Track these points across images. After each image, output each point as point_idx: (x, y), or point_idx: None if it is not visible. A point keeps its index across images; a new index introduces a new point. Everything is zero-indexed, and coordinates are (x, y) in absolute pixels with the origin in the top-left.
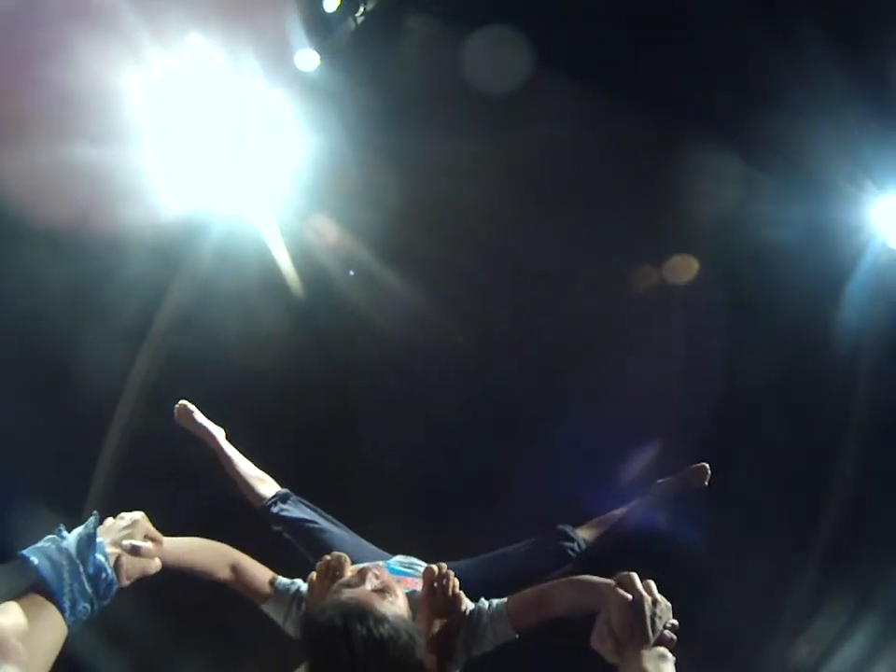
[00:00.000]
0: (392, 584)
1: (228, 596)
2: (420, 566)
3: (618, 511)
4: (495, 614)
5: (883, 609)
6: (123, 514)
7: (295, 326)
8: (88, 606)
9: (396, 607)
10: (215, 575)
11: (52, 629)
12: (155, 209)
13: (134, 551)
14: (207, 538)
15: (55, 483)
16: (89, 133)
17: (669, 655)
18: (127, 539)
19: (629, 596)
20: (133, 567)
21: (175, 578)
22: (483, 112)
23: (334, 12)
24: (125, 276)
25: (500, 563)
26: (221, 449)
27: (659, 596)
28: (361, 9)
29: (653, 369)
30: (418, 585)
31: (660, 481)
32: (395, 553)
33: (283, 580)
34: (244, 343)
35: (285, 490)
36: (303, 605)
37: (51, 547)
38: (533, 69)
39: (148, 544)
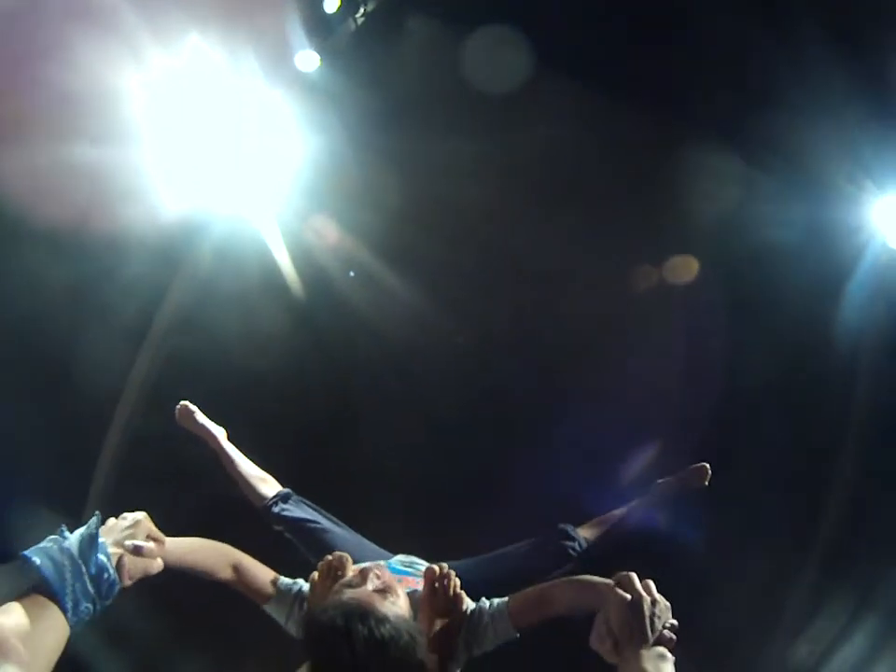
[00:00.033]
0: (393, 584)
1: (229, 597)
2: (421, 565)
3: (619, 511)
4: (496, 613)
5: (883, 609)
6: (125, 514)
7: (295, 326)
8: (90, 606)
9: (397, 607)
10: (217, 575)
11: (54, 629)
12: (155, 209)
13: (137, 551)
14: (209, 538)
15: (56, 483)
16: (89, 132)
17: (669, 655)
18: (129, 539)
19: (628, 596)
20: (135, 566)
21: (177, 578)
22: (484, 113)
23: (334, 13)
24: (125, 276)
25: (501, 562)
26: (222, 449)
27: (658, 596)
28: (361, 10)
29: (653, 369)
30: (419, 585)
31: (660, 480)
32: (396, 553)
33: (285, 580)
34: (244, 344)
35: (286, 490)
36: (305, 605)
37: (53, 547)
38: (533, 69)
39: (150, 544)
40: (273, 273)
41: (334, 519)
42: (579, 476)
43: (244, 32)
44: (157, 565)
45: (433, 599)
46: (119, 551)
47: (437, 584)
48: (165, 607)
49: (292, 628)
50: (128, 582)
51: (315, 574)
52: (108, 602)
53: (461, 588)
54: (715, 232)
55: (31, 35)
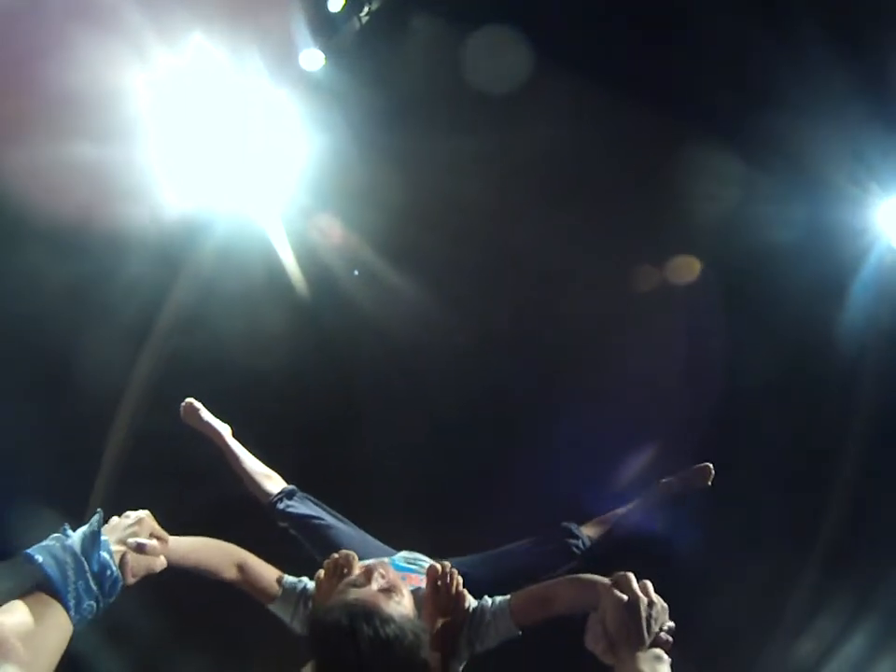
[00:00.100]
0: (398, 583)
1: (229, 597)
2: (425, 562)
3: (622, 510)
4: (498, 611)
5: (883, 608)
6: (128, 513)
7: (299, 325)
8: (93, 604)
9: (402, 606)
10: (221, 574)
11: (57, 627)
12: (159, 208)
13: (140, 548)
14: (213, 537)
15: (57, 483)
16: (93, 131)
17: (665, 657)
18: (132, 536)
19: (625, 597)
20: (138, 564)
21: (176, 577)
22: (488, 111)
23: (339, 12)
24: (129, 275)
25: (504, 560)
26: (227, 446)
27: (655, 597)
28: (366, 9)
29: (654, 369)
30: (423, 582)
31: (663, 480)
32: (399, 549)
33: (289, 578)
34: (247, 342)
35: (291, 486)
36: (310, 603)
37: (56, 545)
38: (536, 69)
39: (154, 542)
40: (277, 271)
41: (339, 515)
42: (579, 476)
43: (248, 30)
44: (160, 563)
45: (435, 597)
46: (122, 548)
47: (439, 583)
48: (166, 606)
49: (297, 626)
50: (131, 580)
51: (322, 572)
52: (111, 600)
53: (464, 586)
54: (716, 233)
55: (34, 33)
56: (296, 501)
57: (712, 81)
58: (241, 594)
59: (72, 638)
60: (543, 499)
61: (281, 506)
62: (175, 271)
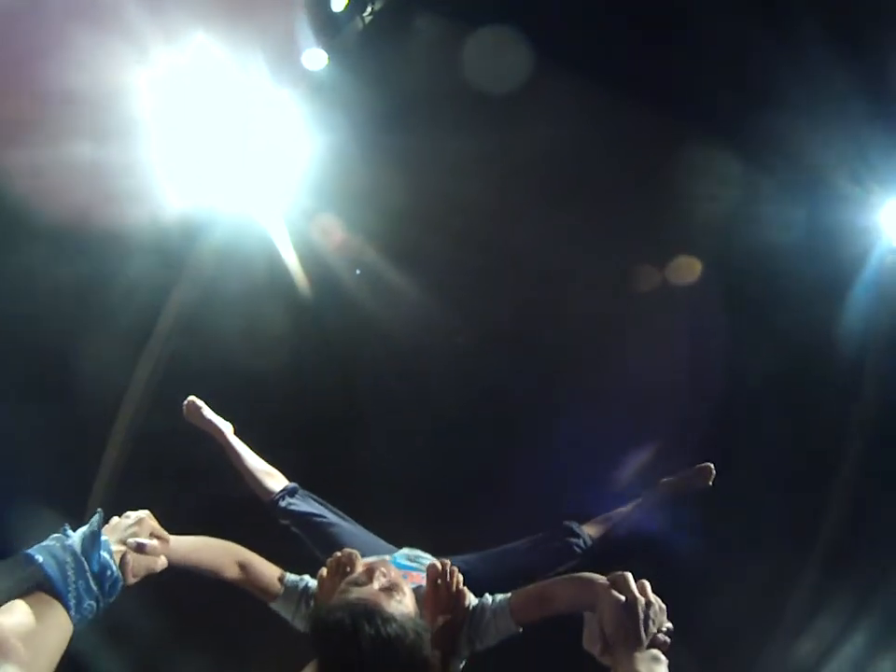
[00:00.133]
0: (399, 582)
1: (229, 597)
2: (426, 559)
3: (623, 509)
4: (498, 609)
5: (883, 608)
6: (129, 513)
7: (300, 325)
8: (93, 604)
9: (403, 605)
10: (222, 573)
11: (57, 627)
12: (160, 208)
13: (140, 548)
14: (213, 536)
15: (57, 483)
16: (94, 131)
17: (662, 658)
18: (133, 536)
19: (622, 597)
20: (138, 564)
21: (177, 577)
22: (491, 111)
23: (342, 11)
24: (131, 275)
25: (505, 558)
26: (229, 444)
27: (653, 597)
28: (369, 9)
29: (654, 369)
30: (424, 580)
31: (664, 479)
32: (401, 547)
33: (291, 576)
34: (248, 343)
35: (293, 484)
36: (312, 601)
37: (56, 545)
38: (538, 69)
39: (154, 542)
40: (278, 271)
41: (340, 513)
42: (579, 476)
43: (250, 30)
44: (160, 562)
45: (436, 595)
46: (123, 548)
47: (439, 581)
48: (166, 606)
49: (299, 625)
50: (132, 580)
51: (324, 570)
52: (112, 600)
53: (464, 583)
54: (717, 233)
55: (36, 33)
56: (298, 499)
57: (712, 81)
58: (240, 594)
59: (72, 638)
60: (543, 499)
61: (283, 504)
62: (176, 271)
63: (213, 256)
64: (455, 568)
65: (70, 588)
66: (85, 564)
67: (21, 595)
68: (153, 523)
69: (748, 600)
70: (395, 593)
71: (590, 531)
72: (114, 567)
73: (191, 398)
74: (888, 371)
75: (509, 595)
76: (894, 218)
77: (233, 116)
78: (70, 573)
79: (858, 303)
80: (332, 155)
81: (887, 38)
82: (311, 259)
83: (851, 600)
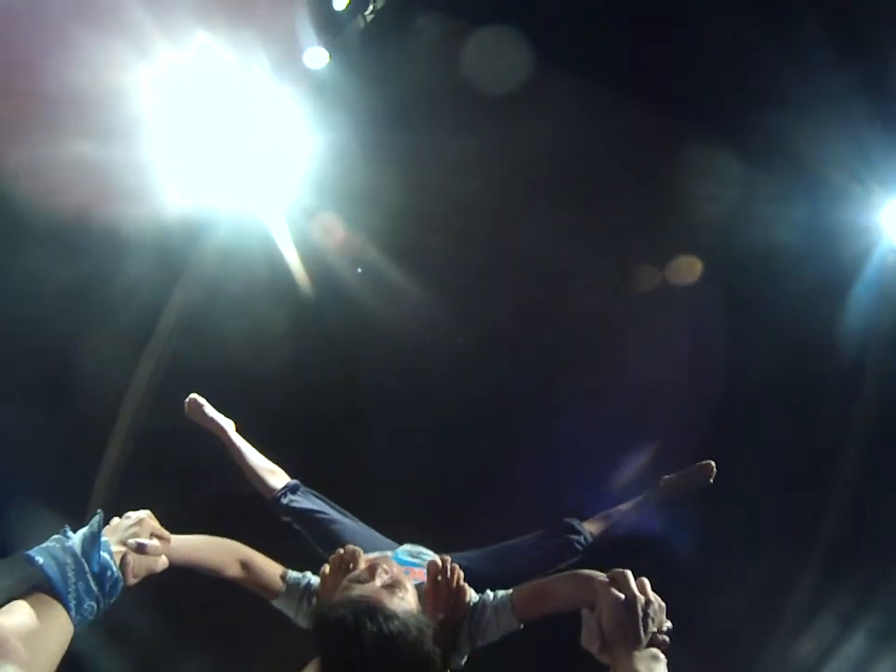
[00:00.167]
0: (402, 578)
1: (230, 597)
2: (428, 555)
3: (624, 506)
4: (499, 606)
5: (883, 608)
6: (129, 513)
7: (301, 324)
8: (94, 604)
9: (405, 602)
10: (224, 572)
11: (58, 628)
12: (162, 207)
13: (140, 549)
14: (215, 534)
15: (57, 483)
16: (96, 130)
17: (662, 657)
18: (133, 537)
19: (622, 596)
20: (139, 565)
21: (177, 578)
22: (492, 110)
23: (343, 10)
24: (132, 275)
25: (506, 555)
26: (231, 441)
27: (653, 596)
28: (371, 7)
29: (654, 369)
30: (426, 576)
31: (665, 477)
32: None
33: (293, 574)
34: (250, 342)
35: (295, 481)
36: (314, 598)
37: (56, 546)
38: (541, 68)
39: (154, 542)
40: (279, 270)
41: (342, 510)
42: (579, 476)
43: (252, 28)
44: (161, 562)
45: (436, 592)
46: (123, 549)
47: (439, 578)
48: (166, 606)
49: (301, 622)
50: (132, 581)
51: (327, 567)
52: (112, 600)
53: (465, 580)
54: (717, 233)
55: (37, 32)
56: (299, 496)
57: (712, 81)
58: (240, 594)
59: (73, 639)
60: (543, 499)
61: (285, 500)
62: (177, 270)
63: (214, 254)
64: (456, 565)
65: (70, 589)
66: (85, 565)
67: (22, 596)
68: (154, 523)
69: (748, 600)
70: (397, 590)
71: (590, 528)
72: (114, 568)
73: (193, 395)
74: (888, 371)
75: (510, 591)
76: (895, 218)
77: (235, 115)
78: (70, 574)
79: (858, 303)
80: (334, 154)
81: (887, 38)
82: (312, 257)
83: (851, 600)
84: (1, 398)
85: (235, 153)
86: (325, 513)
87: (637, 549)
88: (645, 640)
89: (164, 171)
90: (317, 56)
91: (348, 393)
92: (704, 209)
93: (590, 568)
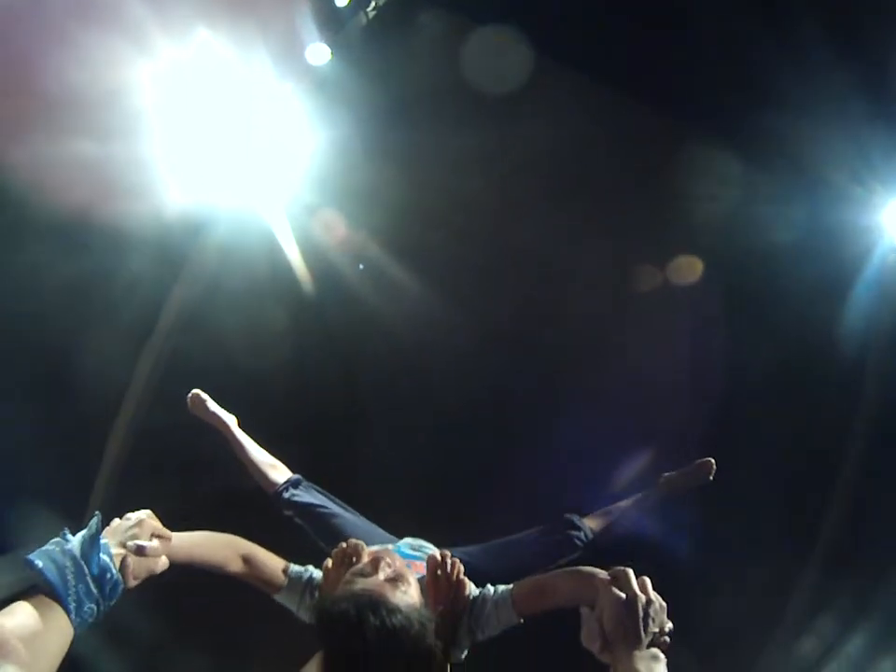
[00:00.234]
0: (404, 572)
1: (230, 597)
2: (430, 548)
3: (624, 503)
4: (499, 601)
5: (883, 608)
6: (129, 515)
7: (302, 322)
8: (94, 607)
9: (408, 596)
10: (226, 568)
11: (58, 630)
12: (163, 204)
13: (139, 551)
14: (215, 529)
15: (57, 483)
16: (96, 128)
17: (662, 656)
18: (133, 538)
19: (622, 595)
20: (139, 567)
21: (177, 578)
22: (493, 109)
23: (345, 6)
24: (133, 272)
25: (507, 550)
26: (234, 436)
27: (653, 595)
28: (373, 4)
29: (654, 368)
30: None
31: (665, 474)
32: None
33: (295, 567)
34: (251, 339)
35: (296, 476)
36: (316, 592)
37: (55, 549)
38: (542, 66)
39: (154, 543)
40: (280, 268)
41: (343, 504)
42: (579, 476)
43: (253, 24)
44: (161, 563)
45: (436, 586)
46: (123, 551)
47: (439, 572)
48: (166, 607)
49: (304, 616)
50: (133, 583)
51: (329, 561)
52: (112, 602)
53: (465, 574)
54: (717, 233)
55: (38, 30)
56: (301, 490)
57: (712, 81)
58: (240, 592)
59: (73, 641)
60: (543, 498)
61: (286, 495)
62: (178, 267)
63: (215, 251)
64: (456, 559)
65: (70, 592)
66: (84, 567)
67: (22, 599)
68: (154, 522)
69: (748, 600)
70: (400, 583)
71: (591, 524)
72: (114, 570)
73: (196, 390)
74: (889, 371)
75: (510, 586)
76: (895, 218)
77: (236, 111)
78: (70, 577)
79: (859, 303)
80: (335, 150)
81: (887, 38)
82: (313, 254)
83: (851, 600)
84: (1, 394)
85: (236, 150)
86: (326, 508)
87: (636, 549)
88: (646, 640)
89: (165, 167)
90: (319, 52)
91: (349, 390)
92: (704, 209)
93: (590, 565)
